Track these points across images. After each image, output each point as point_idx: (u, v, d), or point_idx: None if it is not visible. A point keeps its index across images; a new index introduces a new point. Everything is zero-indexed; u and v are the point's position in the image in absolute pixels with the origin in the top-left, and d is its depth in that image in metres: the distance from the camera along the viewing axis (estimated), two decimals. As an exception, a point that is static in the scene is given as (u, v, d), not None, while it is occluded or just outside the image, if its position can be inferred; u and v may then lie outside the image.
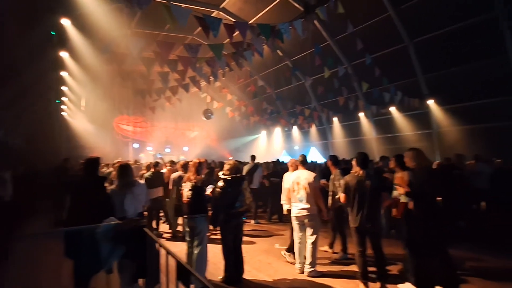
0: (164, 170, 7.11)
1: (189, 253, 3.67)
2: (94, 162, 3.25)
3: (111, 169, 8.31)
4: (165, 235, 6.33)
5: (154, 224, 6.31)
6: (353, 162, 3.80)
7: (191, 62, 8.05)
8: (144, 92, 11.82)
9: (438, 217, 3.36)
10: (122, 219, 2.77)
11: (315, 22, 11.83)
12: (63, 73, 12.49)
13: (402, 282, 3.65)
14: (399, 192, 3.61)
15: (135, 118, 18.88)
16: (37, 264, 3.88)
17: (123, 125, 19.66)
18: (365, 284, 3.50)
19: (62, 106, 16.96)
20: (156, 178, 6.02)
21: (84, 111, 17.47)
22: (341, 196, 3.74)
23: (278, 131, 20.28)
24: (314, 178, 4.14)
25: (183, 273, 1.49)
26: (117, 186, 3.47)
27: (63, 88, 14.33)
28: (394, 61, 11.99)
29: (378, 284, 3.53)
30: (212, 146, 22.06)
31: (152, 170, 6.15)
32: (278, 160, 10.25)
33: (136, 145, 19.68)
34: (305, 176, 4.17)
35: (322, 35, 13.04)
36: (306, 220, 4.12)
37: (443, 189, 3.80)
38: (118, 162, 8.32)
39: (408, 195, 3.39)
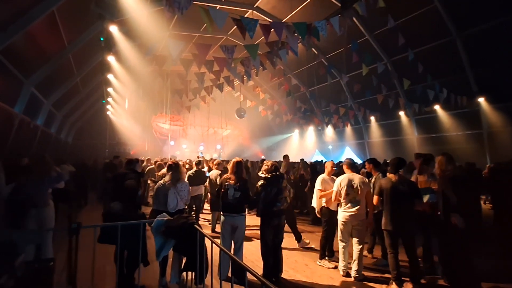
0: (205, 169, 7.36)
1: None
2: (134, 161, 4.26)
3: (151, 165, 8.80)
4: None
5: None
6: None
7: (227, 62, 8.22)
8: (182, 92, 12.32)
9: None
10: (164, 212, 3.05)
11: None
12: (109, 75, 13.40)
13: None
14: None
15: (172, 116, 19.77)
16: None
17: (160, 123, 20.68)
18: (398, 285, 3.55)
19: (107, 106, 18.25)
20: (198, 176, 6.26)
21: (126, 110, 18.66)
22: (374, 198, 3.89)
23: (311, 130, 19.96)
24: (365, 182, 4.09)
25: (238, 270, 1.55)
26: (165, 182, 3.72)
27: (109, 89, 15.39)
28: (440, 56, 11.20)
29: (410, 285, 3.55)
30: (245, 145, 22.34)
31: (195, 168, 6.40)
32: (303, 160, 10.10)
33: (172, 143, 20.58)
34: (358, 180, 4.09)
35: (360, 30, 12.53)
36: (355, 223, 4.05)
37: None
38: (157, 161, 8.86)
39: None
